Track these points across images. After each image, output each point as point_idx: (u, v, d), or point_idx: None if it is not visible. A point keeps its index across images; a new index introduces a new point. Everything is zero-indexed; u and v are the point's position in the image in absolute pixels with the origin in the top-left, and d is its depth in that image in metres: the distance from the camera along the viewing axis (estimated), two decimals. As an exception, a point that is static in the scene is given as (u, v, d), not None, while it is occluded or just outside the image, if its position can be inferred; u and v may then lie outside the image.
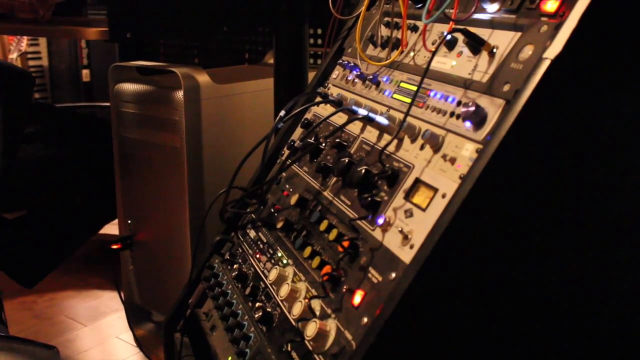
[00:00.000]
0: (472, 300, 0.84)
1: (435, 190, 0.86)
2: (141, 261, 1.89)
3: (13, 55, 2.93)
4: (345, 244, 0.94)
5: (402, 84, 1.09)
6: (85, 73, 3.18)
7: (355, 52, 1.26)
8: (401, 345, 0.82)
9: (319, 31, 2.21)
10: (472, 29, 0.92)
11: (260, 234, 1.22)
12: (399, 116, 1.03)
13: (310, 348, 0.90)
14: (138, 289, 1.92)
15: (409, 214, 0.88)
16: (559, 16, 0.81)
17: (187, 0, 1.63)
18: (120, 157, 1.85)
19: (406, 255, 0.84)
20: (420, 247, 0.82)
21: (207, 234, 1.47)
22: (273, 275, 1.07)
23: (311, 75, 1.48)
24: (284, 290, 1.02)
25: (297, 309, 0.97)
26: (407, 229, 0.87)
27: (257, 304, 1.09)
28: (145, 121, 1.75)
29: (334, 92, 1.28)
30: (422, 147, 0.93)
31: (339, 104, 1.17)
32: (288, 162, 1.24)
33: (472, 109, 0.85)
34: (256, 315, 1.05)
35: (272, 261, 1.14)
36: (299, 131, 1.33)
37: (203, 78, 1.68)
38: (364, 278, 0.89)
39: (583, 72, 0.80)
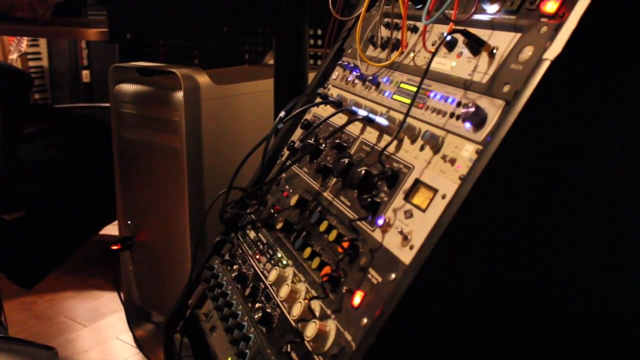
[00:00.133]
0: (472, 301, 0.84)
1: (435, 191, 0.86)
2: (141, 262, 1.89)
3: (13, 56, 2.93)
4: (345, 244, 0.94)
5: (402, 85, 1.09)
6: (85, 74, 3.18)
7: (355, 53, 1.26)
8: (401, 346, 0.82)
9: (319, 32, 2.21)
10: (472, 30, 0.92)
11: (260, 234, 1.22)
12: (399, 117, 1.03)
13: (310, 349, 0.90)
14: (138, 289, 1.92)
15: (408, 214, 0.88)
16: (559, 17, 0.81)
17: (187, 1, 1.63)
18: (120, 157, 1.85)
19: (406, 256, 0.84)
20: (420, 248, 0.82)
21: (207, 234, 1.47)
22: (273, 276, 1.07)
23: (311, 76, 1.47)
24: (284, 291, 1.02)
25: (297, 309, 0.97)
26: (407, 229, 0.87)
27: (257, 305, 1.09)
28: (145, 122, 1.75)
29: (334, 92, 1.28)
30: (422, 148, 0.93)
31: (339, 105, 1.17)
32: (288, 163, 1.24)
33: (472, 109, 0.85)
34: (256, 316, 1.05)
35: (272, 262, 1.14)
36: (298, 132, 1.33)
37: (203, 79, 1.68)
38: (363, 279, 0.89)
39: (583, 73, 0.80)
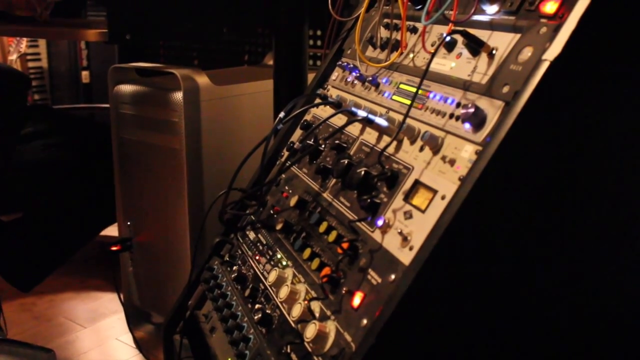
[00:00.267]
0: (471, 302, 0.84)
1: (435, 191, 0.86)
2: (141, 263, 1.89)
3: (12, 57, 2.92)
4: (345, 245, 0.94)
5: (402, 86, 1.09)
6: (85, 74, 3.18)
7: (354, 54, 1.26)
8: (401, 346, 0.82)
9: (319, 32, 2.21)
10: (472, 31, 0.93)
11: (259, 235, 1.22)
12: (399, 118, 1.03)
13: (310, 350, 0.90)
14: (137, 290, 1.92)
15: (408, 215, 0.88)
16: (559, 18, 0.81)
17: (186, 2, 1.63)
18: (119, 158, 1.85)
19: (405, 257, 0.84)
20: (419, 249, 0.82)
21: (206, 235, 1.47)
22: (272, 276, 1.07)
23: (311, 76, 1.47)
24: (284, 291, 1.02)
25: (297, 310, 0.97)
26: (406, 230, 0.87)
27: (257, 306, 1.09)
28: (144, 123, 1.75)
29: (333, 93, 1.28)
30: (421, 149, 0.93)
31: (338, 106, 1.17)
32: (287, 164, 1.24)
33: (472, 110, 0.85)
34: (256, 317, 1.05)
35: (272, 263, 1.13)
36: (298, 133, 1.33)
37: (202, 79, 1.68)
38: (363, 280, 0.89)
39: (582, 74, 0.80)
